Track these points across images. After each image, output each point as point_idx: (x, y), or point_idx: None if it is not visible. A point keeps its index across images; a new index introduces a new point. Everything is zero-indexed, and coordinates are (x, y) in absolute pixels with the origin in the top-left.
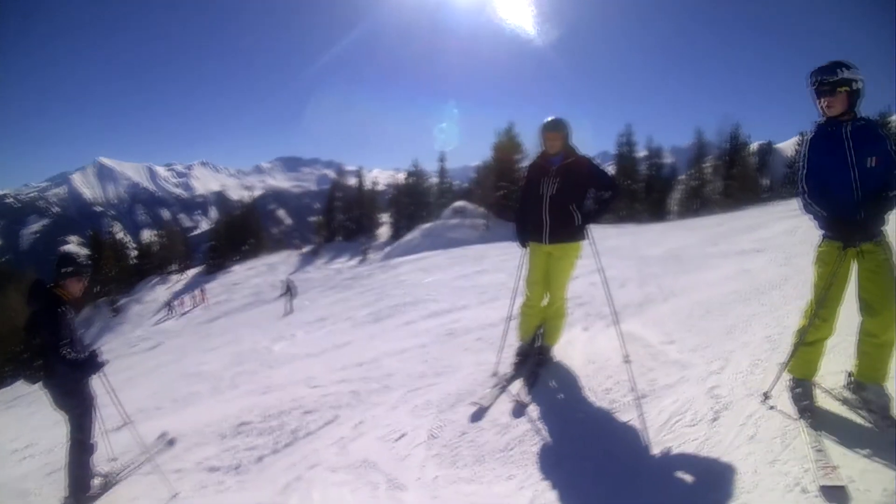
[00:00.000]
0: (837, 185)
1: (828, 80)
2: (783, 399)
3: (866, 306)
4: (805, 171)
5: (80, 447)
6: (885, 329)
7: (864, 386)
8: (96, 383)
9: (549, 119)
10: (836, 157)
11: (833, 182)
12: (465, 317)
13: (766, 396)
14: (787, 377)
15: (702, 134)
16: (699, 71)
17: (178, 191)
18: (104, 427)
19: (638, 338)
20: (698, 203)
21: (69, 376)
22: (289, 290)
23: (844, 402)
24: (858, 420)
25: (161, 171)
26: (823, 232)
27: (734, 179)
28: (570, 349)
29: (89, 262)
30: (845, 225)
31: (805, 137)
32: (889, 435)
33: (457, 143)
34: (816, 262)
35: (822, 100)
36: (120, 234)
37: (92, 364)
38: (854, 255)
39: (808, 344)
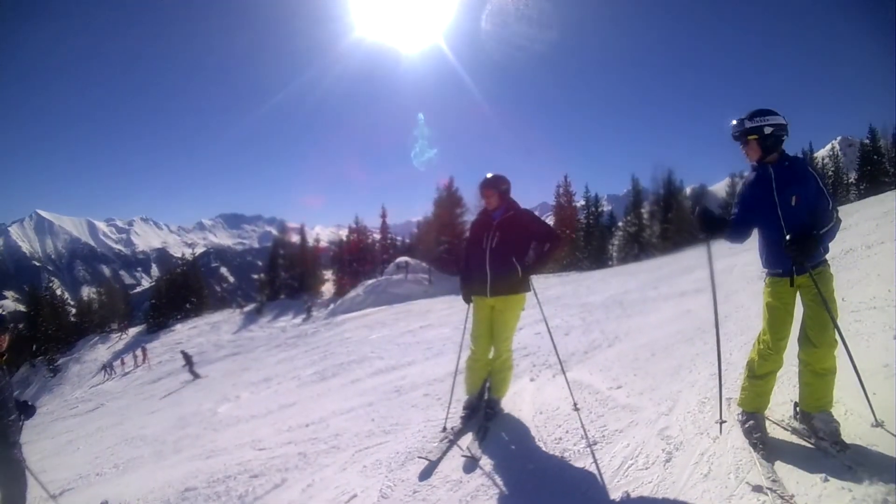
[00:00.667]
0: (766, 224)
1: (736, 132)
2: (735, 434)
3: (804, 337)
4: (734, 215)
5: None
6: (822, 360)
7: (810, 415)
8: (31, 449)
9: (487, 177)
10: (763, 198)
11: (762, 221)
12: (411, 373)
13: (722, 421)
14: (737, 411)
15: (637, 181)
16: (631, 120)
17: (119, 247)
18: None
19: (586, 385)
20: (637, 248)
21: None
22: (187, 361)
23: (794, 432)
24: (810, 447)
25: (101, 226)
26: (767, 268)
27: (671, 223)
28: (518, 400)
29: (4, 315)
30: (801, 242)
31: (740, 180)
32: (842, 459)
33: (434, 153)
34: (764, 295)
35: (742, 150)
36: (59, 290)
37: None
38: (797, 288)
39: (758, 377)
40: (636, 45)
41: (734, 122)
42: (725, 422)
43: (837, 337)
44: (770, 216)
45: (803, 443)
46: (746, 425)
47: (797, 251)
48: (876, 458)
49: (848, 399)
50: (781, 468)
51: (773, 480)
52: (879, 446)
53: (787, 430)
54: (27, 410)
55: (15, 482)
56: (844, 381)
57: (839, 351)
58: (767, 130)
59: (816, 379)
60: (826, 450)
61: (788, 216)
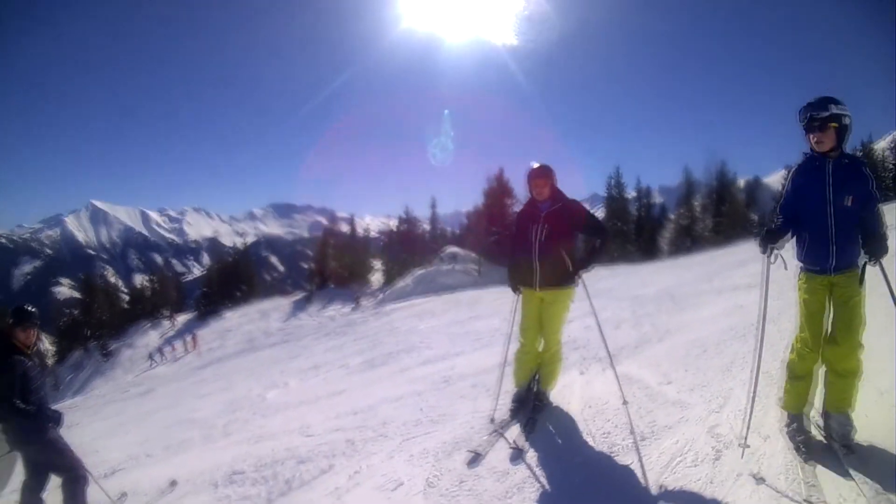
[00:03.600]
0: (812, 219)
1: (818, 116)
2: (784, 436)
3: (830, 337)
4: (783, 201)
5: (72, 481)
6: (843, 359)
7: (829, 415)
8: (84, 431)
9: (536, 165)
10: (815, 192)
11: (809, 215)
12: (460, 363)
13: (745, 444)
14: (783, 414)
15: (690, 173)
16: (685, 110)
17: (171, 236)
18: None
19: (635, 379)
20: (689, 241)
21: (22, 425)
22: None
23: (821, 432)
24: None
25: (154, 215)
26: (804, 264)
27: (724, 216)
28: (567, 393)
29: (34, 311)
30: (875, 243)
31: (791, 169)
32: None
33: (451, 151)
34: (799, 291)
35: (812, 136)
36: (112, 278)
37: (41, 417)
38: (831, 287)
39: (797, 378)
40: (688, 33)
41: (812, 103)
42: (749, 447)
43: (863, 340)
44: (818, 212)
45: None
46: (790, 428)
47: (877, 249)
48: None
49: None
50: (824, 472)
51: (812, 485)
52: None
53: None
54: (56, 418)
55: (53, 455)
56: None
57: (875, 355)
58: (847, 121)
59: (838, 379)
60: (839, 452)
61: (839, 216)
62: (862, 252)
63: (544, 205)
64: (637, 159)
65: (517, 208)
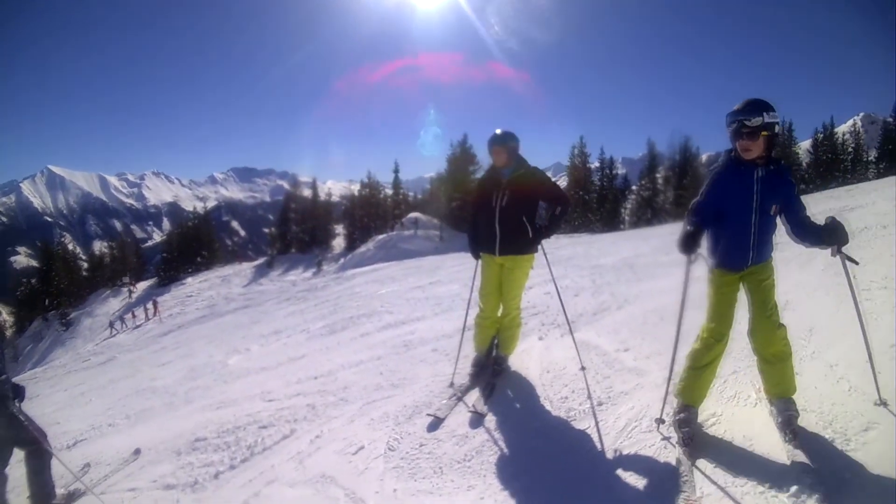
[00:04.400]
0: (734, 225)
1: (749, 123)
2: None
3: (750, 325)
4: (702, 201)
5: (36, 455)
6: (768, 344)
7: (772, 401)
8: (45, 402)
9: (496, 133)
10: (741, 199)
11: (731, 221)
12: (420, 328)
13: (660, 422)
14: (676, 402)
15: (653, 145)
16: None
17: (131, 201)
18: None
19: (593, 346)
20: (650, 213)
21: None
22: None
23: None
24: (744, 447)
25: (113, 180)
26: (718, 265)
27: (685, 189)
28: (525, 359)
29: None
30: (835, 229)
31: (713, 168)
32: (792, 455)
33: (440, 146)
34: (709, 285)
35: (740, 142)
36: (70, 245)
37: (2, 392)
38: (741, 279)
39: (697, 368)
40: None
41: (742, 108)
42: (664, 422)
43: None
44: (742, 219)
45: (742, 443)
46: (678, 417)
47: (841, 237)
48: (873, 439)
49: (853, 376)
50: (707, 466)
51: (685, 480)
52: (881, 425)
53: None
54: (19, 392)
55: (20, 428)
56: (853, 359)
57: (826, 333)
58: (777, 129)
59: (769, 366)
60: (782, 437)
61: (762, 223)
62: (828, 248)
63: (506, 171)
64: (601, 130)
65: (480, 174)
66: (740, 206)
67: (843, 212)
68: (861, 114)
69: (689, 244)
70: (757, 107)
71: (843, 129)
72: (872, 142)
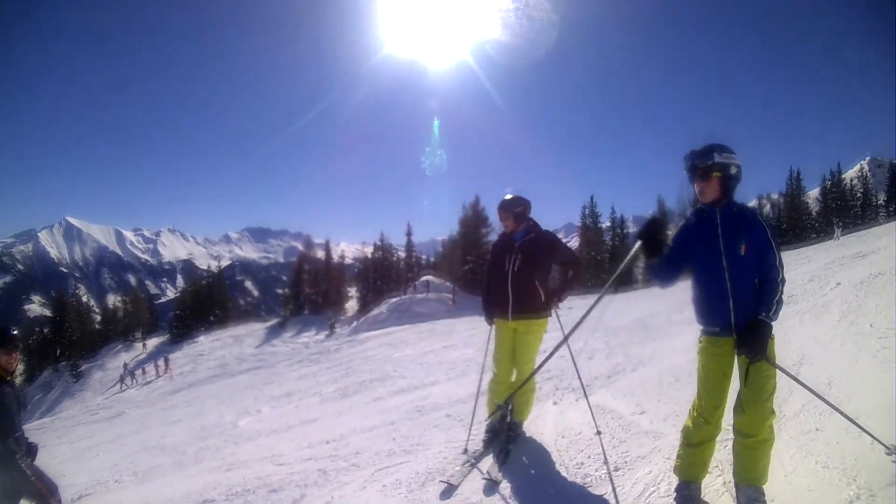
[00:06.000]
0: (705, 274)
1: (701, 164)
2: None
3: (737, 402)
4: (668, 252)
5: None
6: (751, 428)
7: (739, 487)
8: (51, 453)
9: (503, 199)
10: (705, 243)
11: (701, 270)
12: (433, 393)
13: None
14: (674, 479)
15: (663, 202)
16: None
17: (146, 257)
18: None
19: (609, 409)
20: None
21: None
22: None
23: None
24: None
25: (129, 235)
26: (703, 325)
27: None
28: (540, 424)
29: (17, 332)
30: (752, 335)
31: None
32: None
33: (445, 162)
34: (699, 355)
35: (696, 185)
36: (85, 297)
37: (18, 448)
38: (735, 348)
39: (693, 445)
40: (660, 65)
41: (695, 150)
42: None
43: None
44: (712, 264)
45: None
46: (679, 494)
47: (751, 346)
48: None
49: (876, 428)
50: None
51: None
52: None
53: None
54: (31, 450)
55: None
56: (873, 410)
57: (862, 382)
58: (733, 171)
59: (745, 450)
60: None
61: (734, 267)
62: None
63: (519, 234)
64: (611, 189)
65: (492, 237)
66: (707, 250)
67: (857, 258)
68: (868, 158)
69: (652, 234)
70: (710, 149)
71: (850, 174)
72: (880, 185)
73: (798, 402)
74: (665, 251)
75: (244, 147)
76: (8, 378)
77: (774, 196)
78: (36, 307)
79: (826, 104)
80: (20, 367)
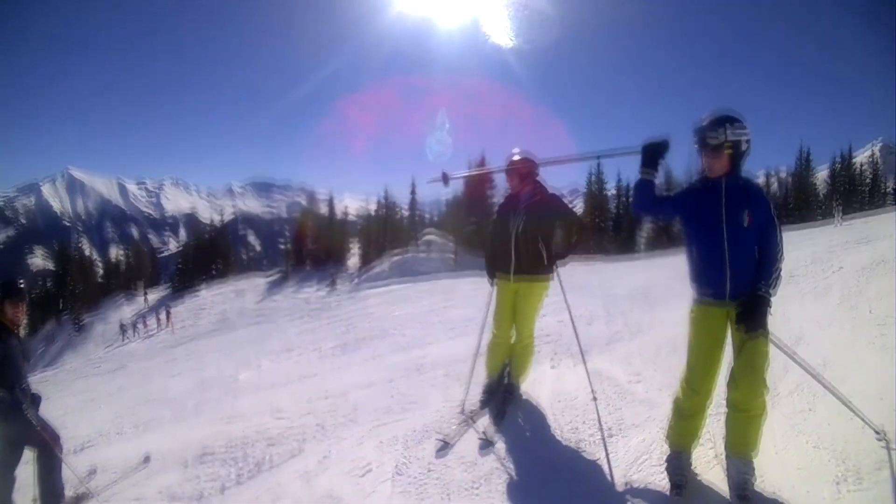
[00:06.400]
0: (705, 241)
1: (713, 140)
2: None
3: (731, 376)
4: (674, 197)
5: (47, 457)
6: (745, 401)
7: (729, 459)
8: (54, 405)
9: (515, 157)
10: (708, 212)
11: (701, 238)
12: (432, 352)
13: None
14: (666, 449)
15: (670, 172)
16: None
17: (149, 210)
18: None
19: (606, 376)
20: (667, 240)
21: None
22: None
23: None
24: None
25: (132, 187)
26: (696, 291)
27: None
28: (537, 386)
29: (23, 284)
30: (752, 308)
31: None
32: None
33: (449, 152)
34: (690, 324)
35: (704, 159)
36: (87, 249)
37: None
38: (728, 319)
39: (682, 417)
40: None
41: (706, 125)
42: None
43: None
44: (712, 233)
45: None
46: (669, 464)
47: (751, 319)
48: (886, 478)
49: (868, 412)
50: None
51: None
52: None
53: (719, 470)
54: (35, 400)
55: (28, 433)
56: (867, 394)
57: (857, 365)
58: (744, 147)
59: (738, 423)
60: (732, 499)
61: (734, 236)
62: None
63: (525, 195)
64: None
65: (497, 196)
66: (709, 220)
67: (861, 243)
68: (880, 143)
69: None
70: (719, 121)
71: (860, 158)
72: (890, 171)
73: (793, 381)
74: (659, 170)
75: (251, 98)
76: (14, 330)
77: (783, 175)
78: (38, 260)
79: (838, 84)
80: (23, 319)
